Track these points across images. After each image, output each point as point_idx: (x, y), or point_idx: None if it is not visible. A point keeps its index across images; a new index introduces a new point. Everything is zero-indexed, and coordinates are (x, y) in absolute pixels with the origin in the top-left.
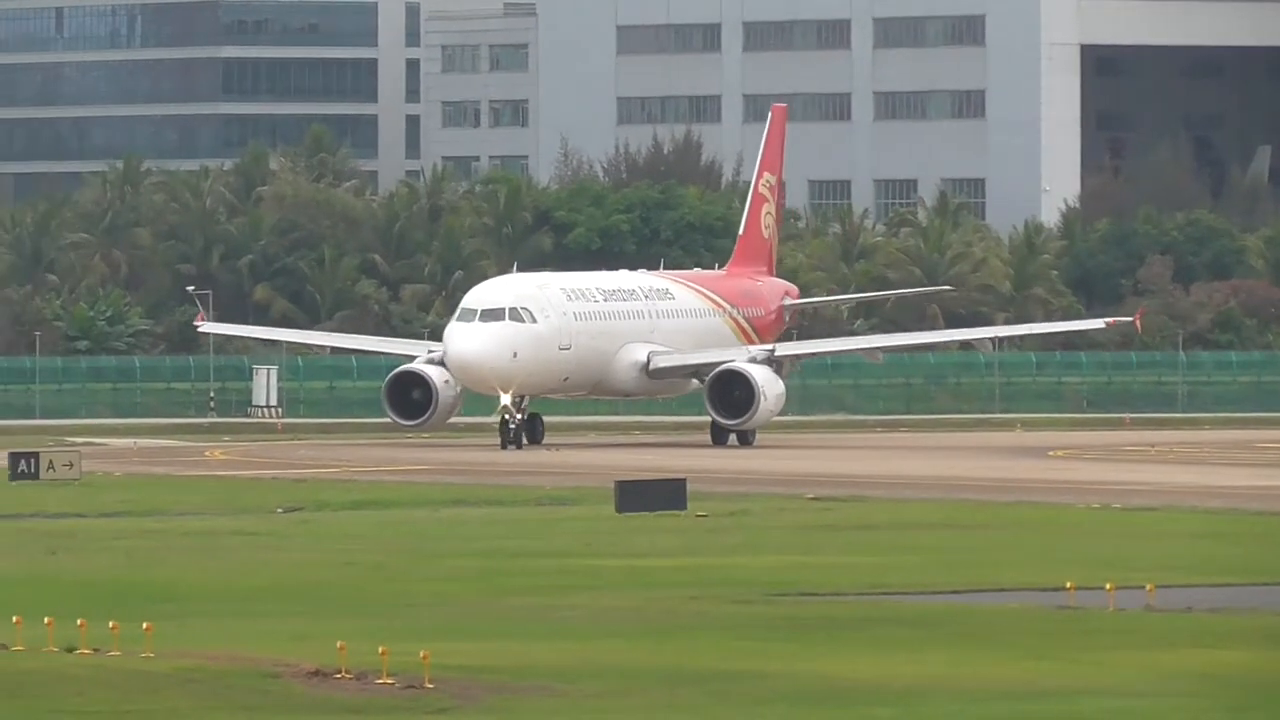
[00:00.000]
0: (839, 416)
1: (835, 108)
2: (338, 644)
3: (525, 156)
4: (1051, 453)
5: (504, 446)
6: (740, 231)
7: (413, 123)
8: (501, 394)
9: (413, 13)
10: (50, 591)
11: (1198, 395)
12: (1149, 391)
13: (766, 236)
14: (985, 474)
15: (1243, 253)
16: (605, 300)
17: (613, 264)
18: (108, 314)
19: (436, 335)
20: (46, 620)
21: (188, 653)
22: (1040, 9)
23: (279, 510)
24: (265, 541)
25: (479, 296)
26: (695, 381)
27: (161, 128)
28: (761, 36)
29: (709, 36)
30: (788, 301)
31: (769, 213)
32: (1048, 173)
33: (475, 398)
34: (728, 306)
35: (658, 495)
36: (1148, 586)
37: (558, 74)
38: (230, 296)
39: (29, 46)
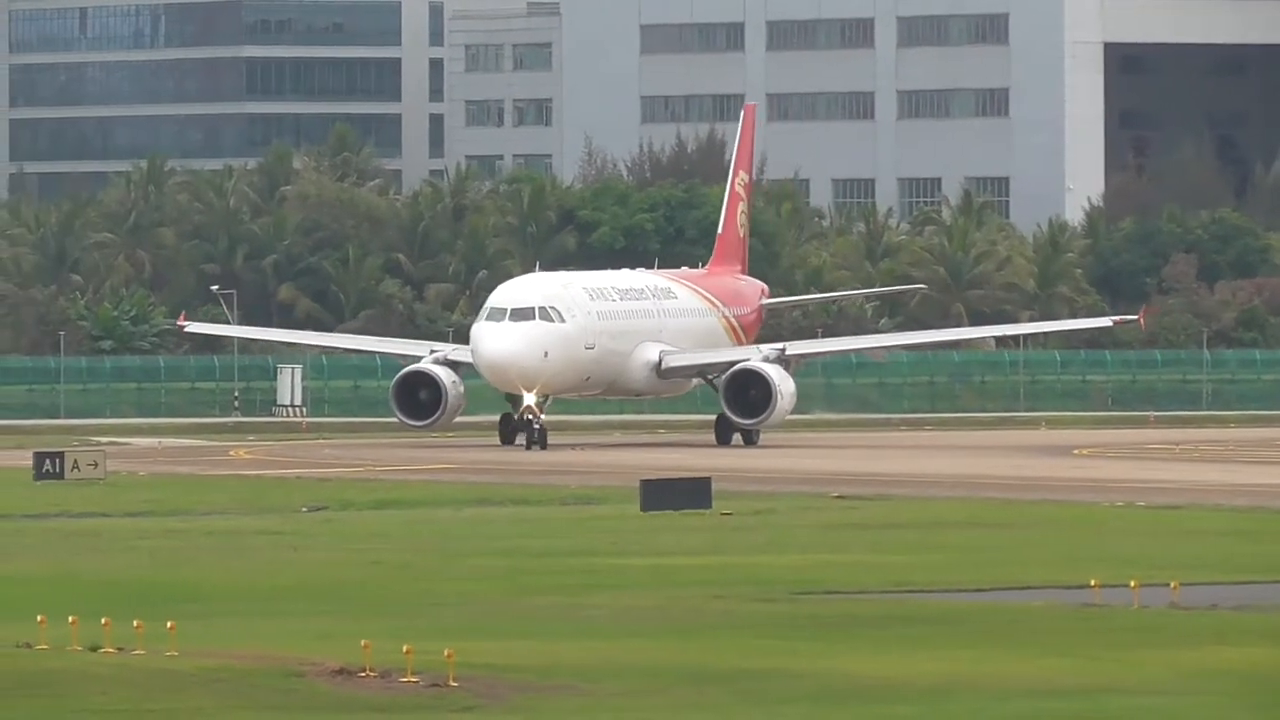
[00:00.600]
0: (846, 415)
1: (859, 106)
2: (362, 643)
3: (549, 156)
4: (1076, 451)
5: (505, 442)
6: (719, 231)
7: (436, 122)
8: (525, 394)
9: (436, 12)
10: (74, 591)
11: (1222, 393)
12: (1173, 390)
13: (741, 235)
14: (1010, 472)
15: (1267, 251)
16: (621, 300)
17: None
18: (132, 314)
19: (461, 335)
20: (71, 619)
21: (212, 652)
22: (1064, 7)
23: (303, 509)
24: (289, 541)
25: (507, 296)
26: (694, 380)
27: (185, 127)
28: (785, 35)
29: (733, 35)
30: (764, 301)
31: (743, 211)
32: (1071, 171)
33: (476, 397)
34: (720, 305)
35: (682, 494)
36: (1172, 584)
37: (581, 73)
38: (254, 296)
39: (53, 47)
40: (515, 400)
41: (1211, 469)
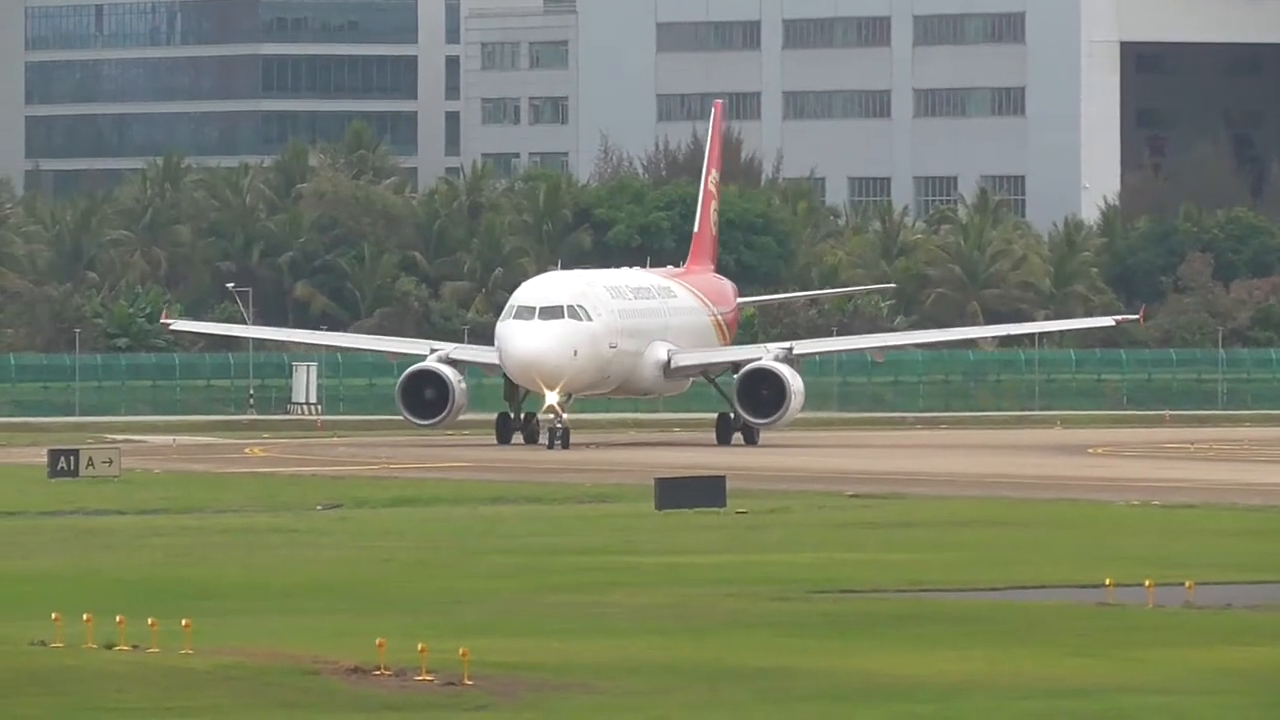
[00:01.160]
0: (861, 414)
1: (875, 105)
2: (377, 641)
3: (565, 153)
4: (1091, 450)
5: (501, 441)
6: (695, 229)
7: (452, 120)
8: (548, 393)
9: (452, 9)
10: (89, 588)
11: (1237, 392)
12: (1189, 389)
13: (714, 233)
14: (1025, 471)
15: None
16: (635, 298)
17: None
18: (147, 311)
19: (477, 332)
20: (85, 617)
21: (227, 649)
22: (1080, 6)
23: (318, 507)
24: (304, 538)
25: (534, 294)
26: (689, 380)
27: (201, 124)
28: (801, 34)
29: (749, 33)
30: (739, 300)
31: (715, 209)
32: (1087, 170)
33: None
34: (709, 304)
35: (697, 492)
36: (1187, 584)
37: (598, 71)
38: (270, 294)
39: (69, 44)
40: (513, 400)
41: (1226, 468)
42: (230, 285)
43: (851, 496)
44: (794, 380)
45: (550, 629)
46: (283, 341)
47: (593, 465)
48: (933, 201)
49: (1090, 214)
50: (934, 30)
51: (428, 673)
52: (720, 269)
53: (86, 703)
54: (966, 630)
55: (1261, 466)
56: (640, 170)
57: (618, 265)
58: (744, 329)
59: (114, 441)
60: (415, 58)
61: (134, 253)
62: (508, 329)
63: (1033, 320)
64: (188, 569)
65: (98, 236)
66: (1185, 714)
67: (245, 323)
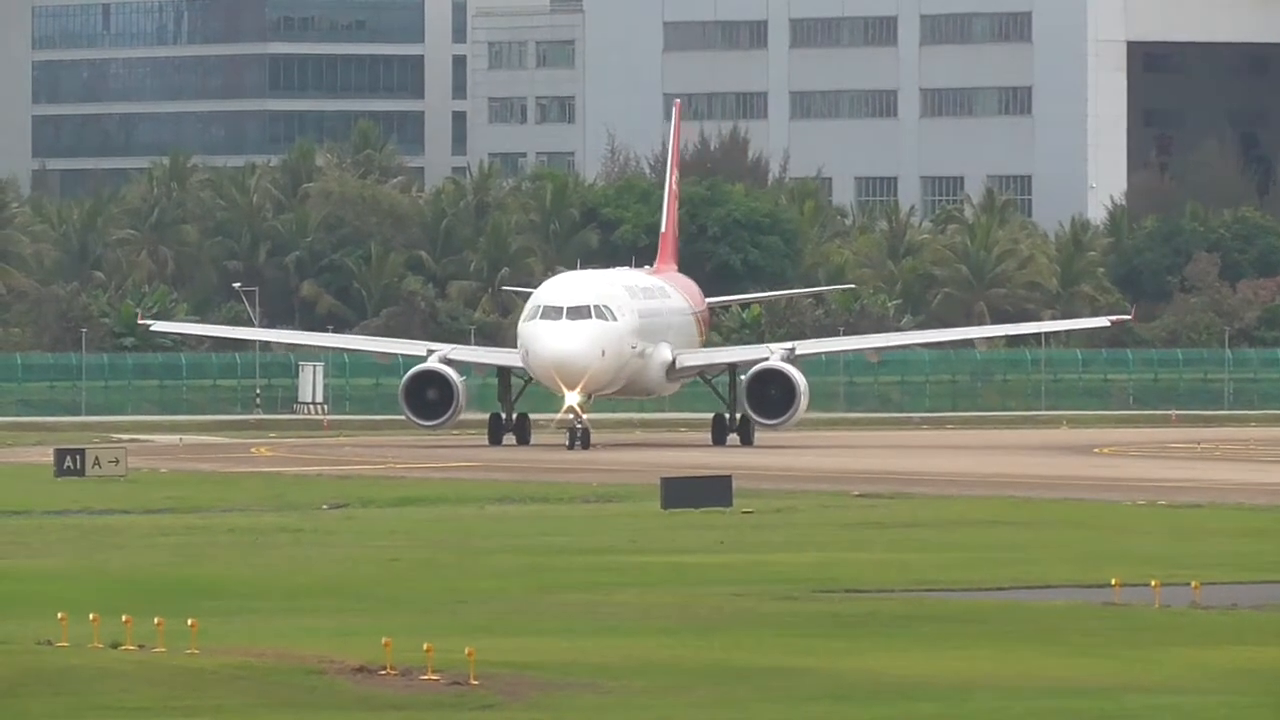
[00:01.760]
0: (868, 414)
1: (882, 104)
2: (383, 640)
3: (572, 153)
4: (1097, 450)
5: (493, 442)
6: (663, 229)
7: (459, 119)
8: (569, 393)
9: (459, 9)
10: (95, 588)
11: (1244, 392)
12: (1195, 388)
13: (677, 233)
14: (1031, 471)
15: None
16: (645, 298)
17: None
18: (154, 310)
19: (484, 332)
20: (92, 616)
21: (233, 649)
22: (1087, 6)
23: (324, 507)
24: (310, 538)
25: (560, 294)
26: (683, 380)
27: (208, 124)
28: (808, 33)
29: (756, 33)
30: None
31: (676, 209)
32: (1094, 170)
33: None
34: (690, 304)
35: (703, 492)
36: (1193, 584)
37: (605, 70)
38: (277, 293)
39: (76, 43)
40: (506, 401)
41: (1233, 468)
42: (237, 285)
43: (858, 496)
44: (803, 381)
45: (556, 628)
46: (280, 342)
47: (601, 465)
48: (939, 201)
49: (1097, 213)
50: (941, 30)
51: (434, 672)
52: (727, 269)
53: (92, 702)
54: (972, 630)
55: (1268, 466)
56: (647, 170)
57: (622, 265)
58: (750, 329)
59: (120, 441)
60: (422, 57)
61: (140, 252)
62: (534, 329)
63: (1040, 320)
64: (194, 568)
65: (104, 236)
66: (1192, 714)
67: (252, 323)
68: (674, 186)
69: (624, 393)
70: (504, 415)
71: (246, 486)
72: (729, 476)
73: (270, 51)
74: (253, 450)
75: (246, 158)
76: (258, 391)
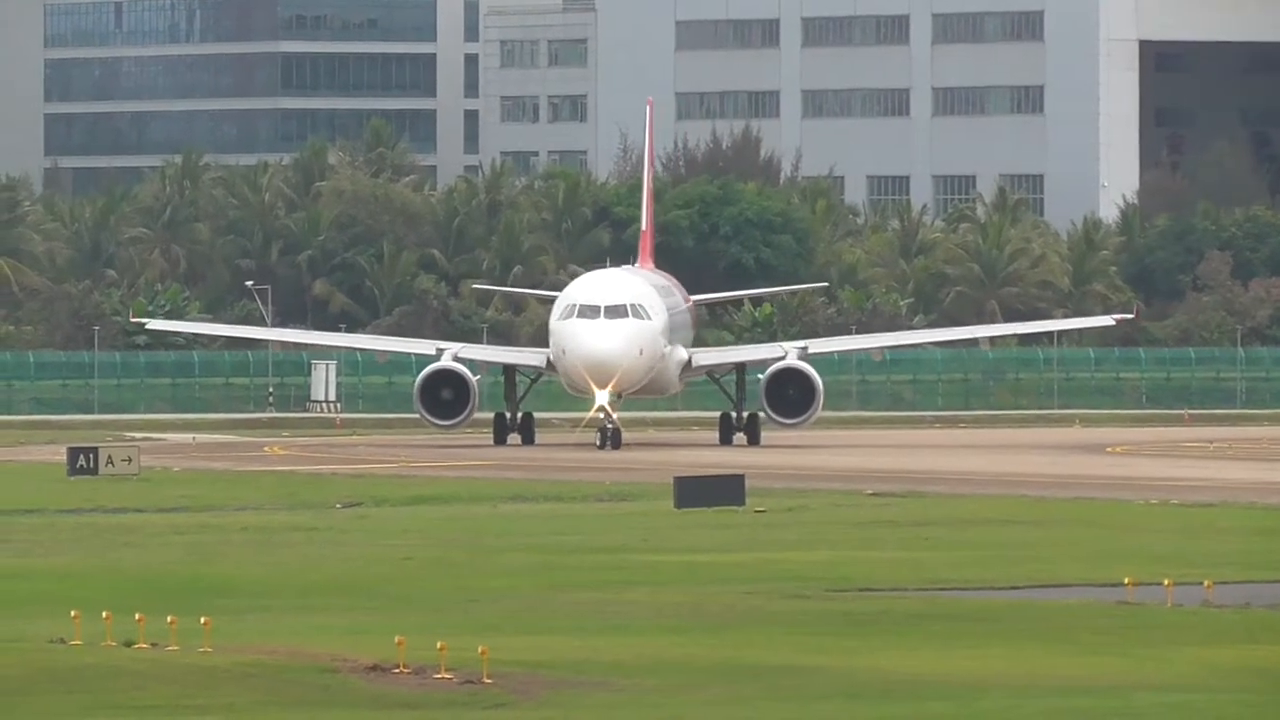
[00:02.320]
0: (880, 413)
1: (894, 103)
2: (396, 639)
3: (584, 151)
4: (1110, 449)
5: (498, 442)
6: (643, 227)
7: (471, 118)
8: (600, 393)
9: (471, 8)
10: (108, 586)
11: (1256, 391)
12: (1207, 387)
13: (654, 231)
14: (1043, 470)
15: None
16: (666, 296)
17: (673, 260)
18: (166, 309)
19: (497, 330)
20: (105, 615)
21: (246, 647)
22: (1099, 5)
23: (337, 505)
24: (323, 536)
25: (595, 293)
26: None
27: (220, 122)
28: (820, 32)
29: (768, 32)
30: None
31: (653, 207)
32: (1106, 168)
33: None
34: (685, 302)
35: (716, 491)
36: (1205, 583)
37: (616, 69)
38: (289, 292)
39: (88, 41)
40: (511, 400)
41: (1245, 467)
42: (249, 283)
43: (870, 495)
44: (820, 381)
45: (569, 627)
46: (280, 340)
47: (614, 464)
48: (951, 200)
49: (1109, 212)
50: (953, 28)
51: (447, 671)
52: (740, 268)
53: (105, 700)
54: (984, 629)
55: None
56: (659, 168)
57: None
58: (762, 327)
59: (133, 439)
60: (434, 56)
61: (153, 250)
62: (571, 328)
63: (1051, 319)
64: (207, 567)
65: (117, 234)
66: (1204, 713)
67: (265, 322)
68: (650, 184)
69: (642, 392)
70: (509, 414)
71: (259, 485)
72: (741, 475)
73: (282, 50)
74: (265, 449)
75: (259, 156)
76: (270, 390)
